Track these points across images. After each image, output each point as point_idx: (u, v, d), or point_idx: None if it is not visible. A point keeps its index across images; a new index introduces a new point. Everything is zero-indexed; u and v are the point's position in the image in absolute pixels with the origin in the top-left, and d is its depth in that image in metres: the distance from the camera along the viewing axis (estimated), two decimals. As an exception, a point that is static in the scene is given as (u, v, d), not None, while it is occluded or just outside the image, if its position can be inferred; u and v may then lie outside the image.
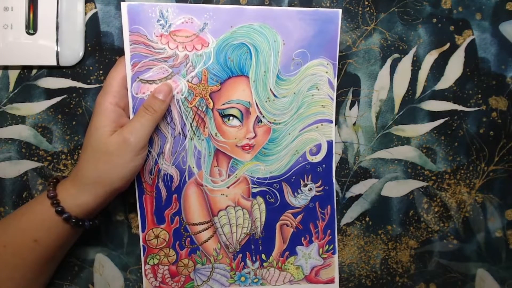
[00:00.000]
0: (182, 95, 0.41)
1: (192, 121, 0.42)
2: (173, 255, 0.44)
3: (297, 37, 0.41)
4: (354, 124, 0.45)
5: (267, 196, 0.44)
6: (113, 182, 0.37)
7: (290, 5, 0.45)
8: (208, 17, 0.40)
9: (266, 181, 0.44)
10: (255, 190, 0.44)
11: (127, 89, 0.40)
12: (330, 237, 0.45)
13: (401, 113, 0.46)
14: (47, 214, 0.37)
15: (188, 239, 0.44)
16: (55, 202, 0.37)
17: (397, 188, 0.46)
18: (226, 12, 0.40)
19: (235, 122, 0.42)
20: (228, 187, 0.43)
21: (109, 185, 0.37)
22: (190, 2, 0.44)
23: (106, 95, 0.38)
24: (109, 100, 0.38)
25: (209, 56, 0.41)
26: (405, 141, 0.46)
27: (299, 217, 0.44)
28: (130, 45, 0.40)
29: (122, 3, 0.39)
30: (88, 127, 0.38)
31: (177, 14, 0.40)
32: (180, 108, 0.41)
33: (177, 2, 0.44)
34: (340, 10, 0.42)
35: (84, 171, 0.37)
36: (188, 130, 0.42)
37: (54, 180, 0.40)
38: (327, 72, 0.43)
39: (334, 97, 0.43)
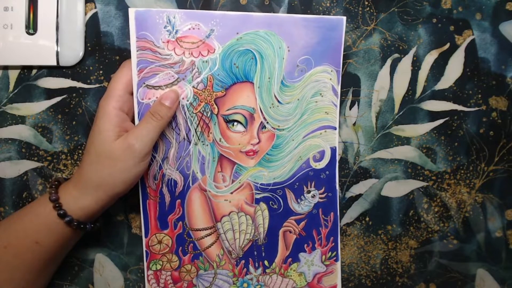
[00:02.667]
0: (188, 100, 0.41)
1: (197, 126, 0.42)
2: (176, 261, 0.44)
3: (302, 44, 0.41)
4: (354, 124, 0.46)
5: (270, 202, 0.44)
6: (115, 187, 0.37)
7: (290, 4, 0.45)
8: (215, 23, 0.40)
9: (270, 187, 0.44)
10: (258, 196, 0.44)
11: (130, 94, 0.39)
12: (333, 244, 0.45)
13: (401, 113, 0.46)
14: (49, 216, 0.37)
15: (191, 244, 0.44)
16: (57, 205, 0.37)
17: (397, 188, 0.46)
18: (233, 19, 0.40)
19: (239, 127, 0.42)
20: (231, 193, 0.43)
21: (112, 189, 0.37)
22: (190, 4, 0.44)
23: (109, 99, 0.38)
24: (112, 104, 0.38)
25: (214, 62, 0.41)
26: (405, 141, 0.46)
27: (302, 223, 0.44)
28: (137, 51, 0.39)
29: (130, 9, 0.39)
30: (91, 130, 0.38)
31: (184, 20, 0.40)
32: (185, 113, 0.41)
33: (178, 7, 0.44)
34: (344, 18, 0.42)
35: (87, 175, 0.37)
36: (193, 135, 0.42)
37: (56, 182, 0.39)
38: (331, 79, 0.43)
39: (338, 104, 0.43)
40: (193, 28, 0.40)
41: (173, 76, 0.40)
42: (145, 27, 0.39)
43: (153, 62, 0.40)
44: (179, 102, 0.41)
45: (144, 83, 0.40)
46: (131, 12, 0.39)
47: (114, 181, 0.37)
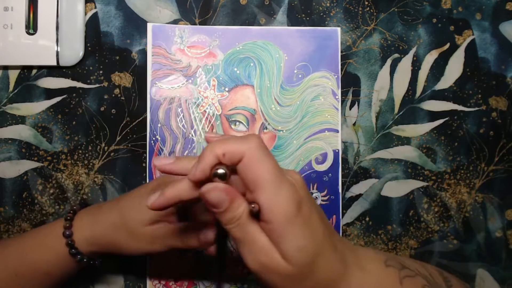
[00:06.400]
0: (194, 101, 0.44)
1: (202, 124, 0.44)
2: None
3: (299, 51, 0.44)
4: (354, 124, 0.45)
5: None
6: (125, 252, 0.37)
7: (290, 4, 0.45)
8: (218, 35, 0.44)
9: None
10: None
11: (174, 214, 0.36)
12: None
13: (401, 113, 0.46)
14: (61, 251, 0.37)
15: None
16: (70, 242, 0.37)
17: (397, 188, 0.46)
18: (233, 32, 0.44)
19: (241, 127, 0.44)
20: None
21: (121, 251, 0.37)
22: (190, 3, 0.44)
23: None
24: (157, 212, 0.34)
25: (218, 68, 0.44)
26: (405, 141, 0.46)
27: None
28: (152, 55, 0.44)
29: (148, 23, 0.44)
30: (133, 191, 0.38)
31: (192, 33, 0.44)
32: (191, 112, 0.44)
33: (178, 7, 0.44)
34: (339, 28, 0.44)
35: (103, 231, 0.37)
36: (198, 133, 0.44)
37: (71, 211, 0.38)
38: (330, 84, 0.44)
39: (339, 107, 0.44)
40: (199, 40, 0.44)
41: (181, 78, 0.44)
42: (160, 37, 0.44)
43: (165, 65, 0.44)
44: (187, 101, 0.44)
45: (157, 83, 0.44)
46: (149, 26, 0.44)
47: (126, 249, 0.37)
